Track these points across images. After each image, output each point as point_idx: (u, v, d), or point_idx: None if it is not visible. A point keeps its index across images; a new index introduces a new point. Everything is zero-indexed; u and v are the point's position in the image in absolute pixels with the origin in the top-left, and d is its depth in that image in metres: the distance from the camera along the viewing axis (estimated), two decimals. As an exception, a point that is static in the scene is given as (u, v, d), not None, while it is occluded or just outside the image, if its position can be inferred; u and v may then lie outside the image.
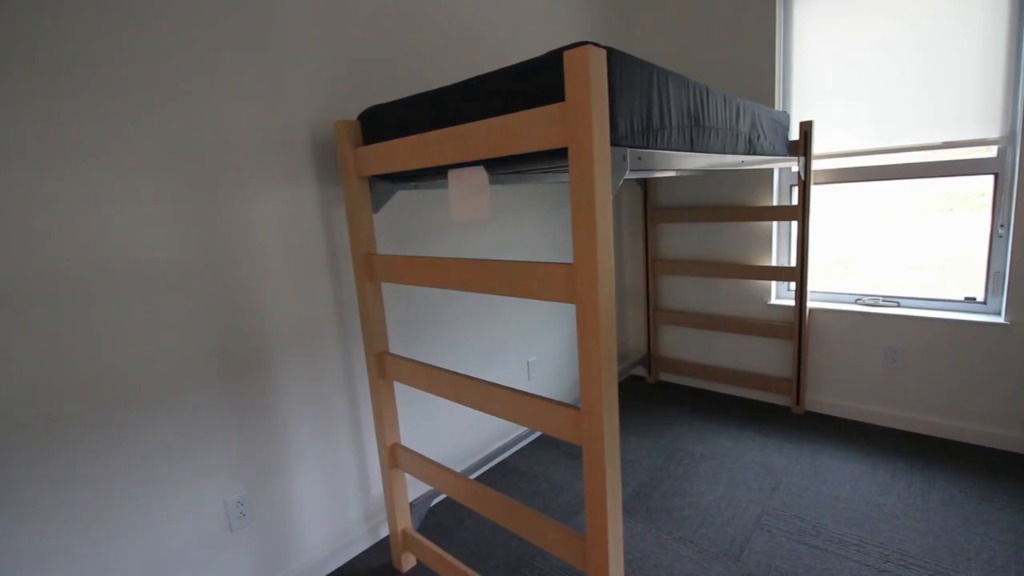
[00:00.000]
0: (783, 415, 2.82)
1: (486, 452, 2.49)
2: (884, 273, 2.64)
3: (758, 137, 2.00)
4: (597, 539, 1.16)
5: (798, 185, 2.62)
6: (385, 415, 1.72)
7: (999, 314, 2.34)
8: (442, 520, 2.10)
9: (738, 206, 2.87)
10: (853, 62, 2.54)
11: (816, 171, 2.68)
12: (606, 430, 1.08)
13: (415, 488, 2.13)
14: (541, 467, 2.46)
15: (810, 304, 2.76)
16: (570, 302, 1.09)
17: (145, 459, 1.40)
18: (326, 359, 1.81)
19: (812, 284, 2.82)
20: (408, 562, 1.83)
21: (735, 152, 1.80)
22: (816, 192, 2.74)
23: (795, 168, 2.55)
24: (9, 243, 1.17)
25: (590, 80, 0.96)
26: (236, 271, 1.55)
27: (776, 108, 2.74)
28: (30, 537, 1.22)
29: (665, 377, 3.42)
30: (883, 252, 2.63)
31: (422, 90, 2.03)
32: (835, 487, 2.14)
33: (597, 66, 0.97)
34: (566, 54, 0.99)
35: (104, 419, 1.32)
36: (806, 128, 2.54)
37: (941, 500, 2.01)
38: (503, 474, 2.42)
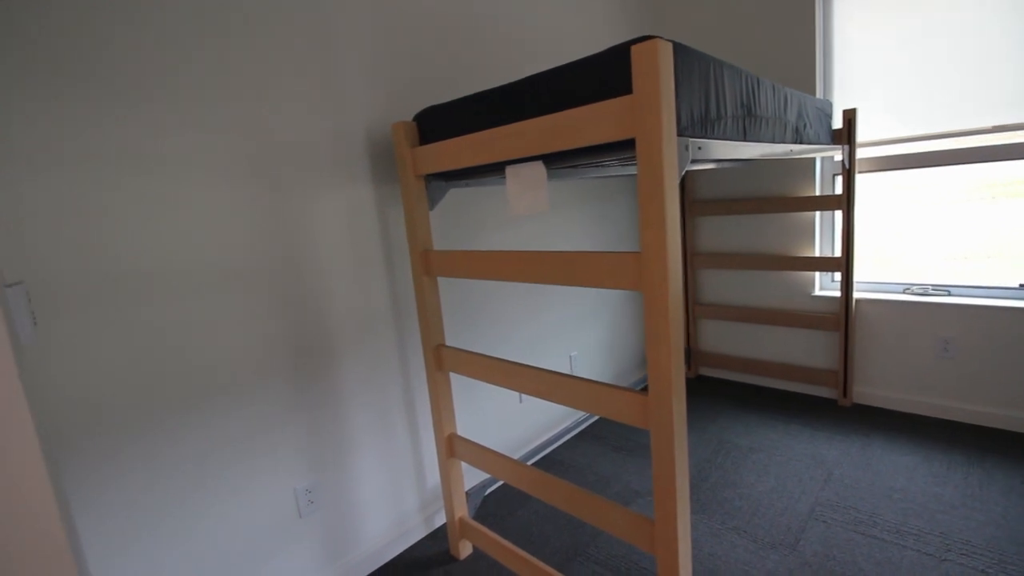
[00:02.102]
0: (830, 408, 2.79)
1: (531, 446, 2.53)
2: (932, 261, 2.59)
3: (804, 126, 2.00)
4: (666, 522, 1.19)
5: (842, 174, 2.59)
6: (442, 405, 1.78)
7: (1058, 301, 2.28)
8: (493, 510, 2.14)
9: (779, 197, 2.85)
10: (897, 47, 2.50)
11: (860, 159, 2.65)
12: (675, 414, 1.11)
13: (469, 478, 2.18)
14: (587, 459, 2.49)
15: (856, 294, 2.73)
16: (637, 290, 1.12)
17: (228, 445, 1.48)
18: (383, 352, 1.87)
19: (858, 274, 2.78)
20: (465, 549, 1.88)
21: (783, 141, 1.80)
22: (860, 181, 2.70)
23: (839, 157, 2.53)
24: (107, 246, 1.25)
25: (659, 73, 0.99)
26: (300, 269, 1.63)
27: (818, 96, 2.71)
28: (133, 514, 1.31)
29: (705, 372, 3.41)
30: (930, 240, 2.58)
31: (466, 92, 2.08)
32: (889, 479, 2.12)
33: (665, 59, 1.00)
34: (634, 48, 1.02)
35: (193, 407, 1.41)
36: (850, 116, 2.51)
37: (1001, 491, 1.97)
38: (549, 467, 2.45)
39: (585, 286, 1.21)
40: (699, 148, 1.23)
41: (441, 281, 2.06)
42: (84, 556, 1.25)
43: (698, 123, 1.23)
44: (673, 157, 1.05)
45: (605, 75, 1.12)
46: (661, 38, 1.01)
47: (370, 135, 1.78)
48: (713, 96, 1.28)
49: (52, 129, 1.17)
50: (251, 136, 1.49)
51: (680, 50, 1.11)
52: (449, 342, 2.10)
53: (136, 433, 1.32)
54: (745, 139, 1.50)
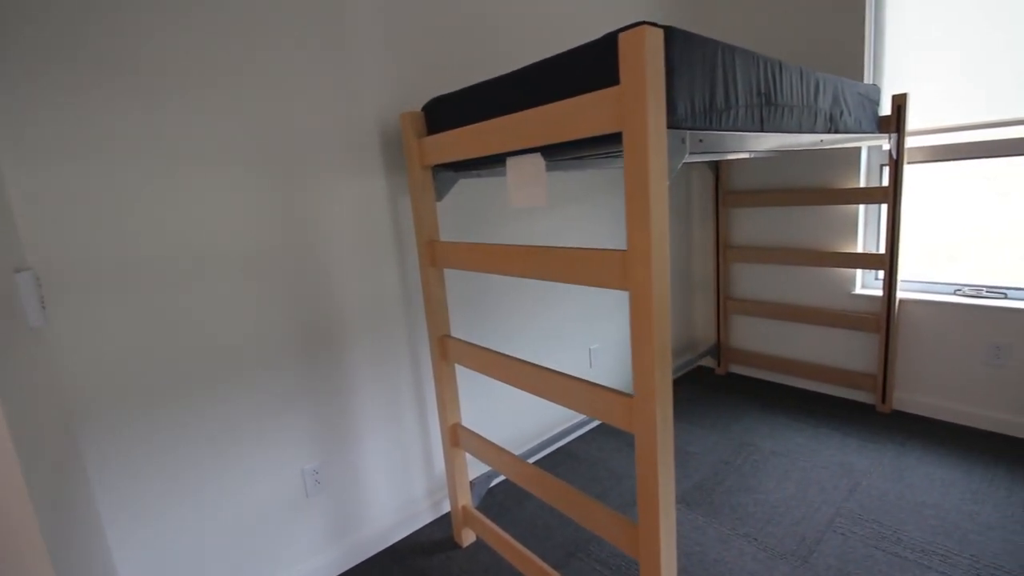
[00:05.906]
0: (866, 413, 2.63)
1: (546, 436, 2.52)
2: (988, 261, 2.38)
3: (841, 114, 1.86)
4: (649, 528, 1.15)
5: (889, 165, 2.41)
6: (447, 396, 1.79)
7: None
8: (501, 500, 2.15)
9: (820, 188, 2.69)
10: (959, 25, 2.28)
11: (911, 149, 2.45)
12: (659, 419, 1.07)
13: (476, 467, 2.19)
14: (602, 454, 2.46)
15: (900, 294, 2.55)
16: (623, 289, 1.08)
17: (239, 425, 1.55)
18: (393, 340, 1.90)
19: (903, 273, 2.60)
20: (468, 538, 1.90)
21: (812, 131, 1.68)
22: (910, 172, 2.50)
23: (886, 146, 2.35)
24: (122, 233, 1.31)
25: (645, 63, 0.94)
26: (312, 256, 1.66)
27: (866, 81, 2.52)
28: (148, 484, 1.39)
29: (735, 369, 3.29)
30: (988, 238, 2.37)
31: (486, 80, 2.05)
32: (922, 493, 1.98)
33: (653, 48, 0.95)
34: (621, 36, 0.97)
35: (206, 387, 1.47)
36: (900, 102, 2.32)
37: (1049, 514, 1.81)
38: (562, 460, 2.44)
39: (572, 283, 1.18)
40: (700, 140, 1.17)
41: (461, 271, 2.06)
42: (101, 522, 1.34)
43: (700, 114, 1.16)
44: (662, 151, 1.00)
45: (599, 64, 1.08)
46: (652, 24, 0.96)
47: (382, 124, 1.79)
48: (721, 84, 1.21)
49: (67, 118, 1.23)
50: (264, 125, 1.53)
51: (678, 36, 1.05)
52: (466, 331, 2.11)
53: (153, 409, 1.39)
54: (763, 130, 1.41)
